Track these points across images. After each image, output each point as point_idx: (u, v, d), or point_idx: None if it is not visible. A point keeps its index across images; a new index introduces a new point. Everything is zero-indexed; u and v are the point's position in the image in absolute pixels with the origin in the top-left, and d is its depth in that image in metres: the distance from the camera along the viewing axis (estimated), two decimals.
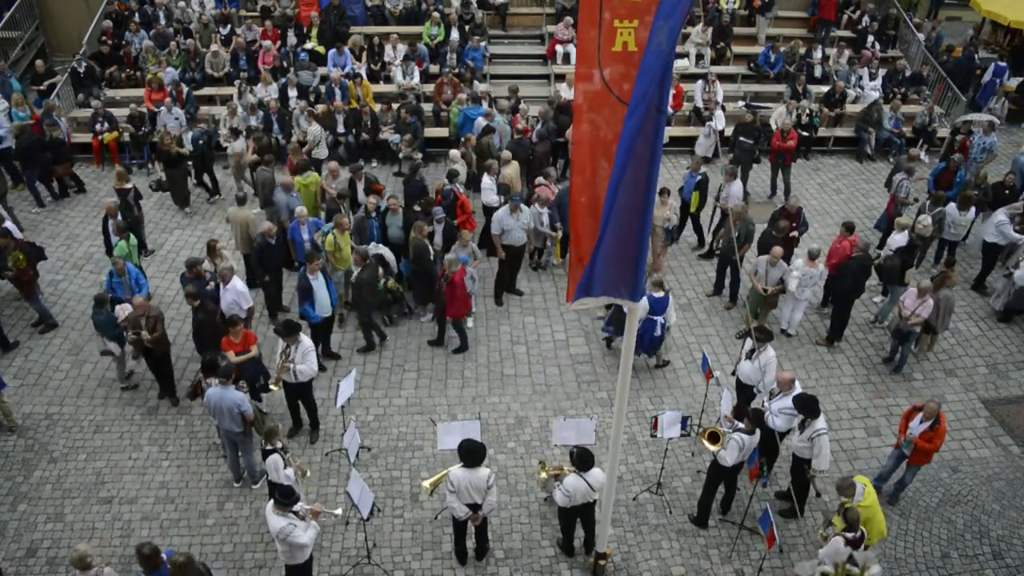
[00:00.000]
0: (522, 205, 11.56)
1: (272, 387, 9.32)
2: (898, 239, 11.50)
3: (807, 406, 8.28)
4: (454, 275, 10.35)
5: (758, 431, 8.24)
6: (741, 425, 8.19)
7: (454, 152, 13.33)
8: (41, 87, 15.92)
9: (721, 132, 15.42)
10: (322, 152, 14.30)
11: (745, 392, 9.64)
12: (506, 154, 13.27)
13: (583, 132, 5.76)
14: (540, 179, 12.66)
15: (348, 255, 11.07)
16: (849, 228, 11.55)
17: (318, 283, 10.10)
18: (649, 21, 5.21)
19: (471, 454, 7.54)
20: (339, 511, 8.02)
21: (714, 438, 8.50)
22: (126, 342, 10.03)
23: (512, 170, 13.00)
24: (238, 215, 11.58)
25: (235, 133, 14.18)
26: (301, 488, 8.11)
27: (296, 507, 7.27)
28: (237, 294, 10.01)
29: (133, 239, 11.19)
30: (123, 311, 9.94)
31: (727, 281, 12.26)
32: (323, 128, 14.52)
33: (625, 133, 5.19)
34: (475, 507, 7.76)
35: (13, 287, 11.50)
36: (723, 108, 15.85)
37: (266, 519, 7.28)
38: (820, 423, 8.28)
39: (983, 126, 15.09)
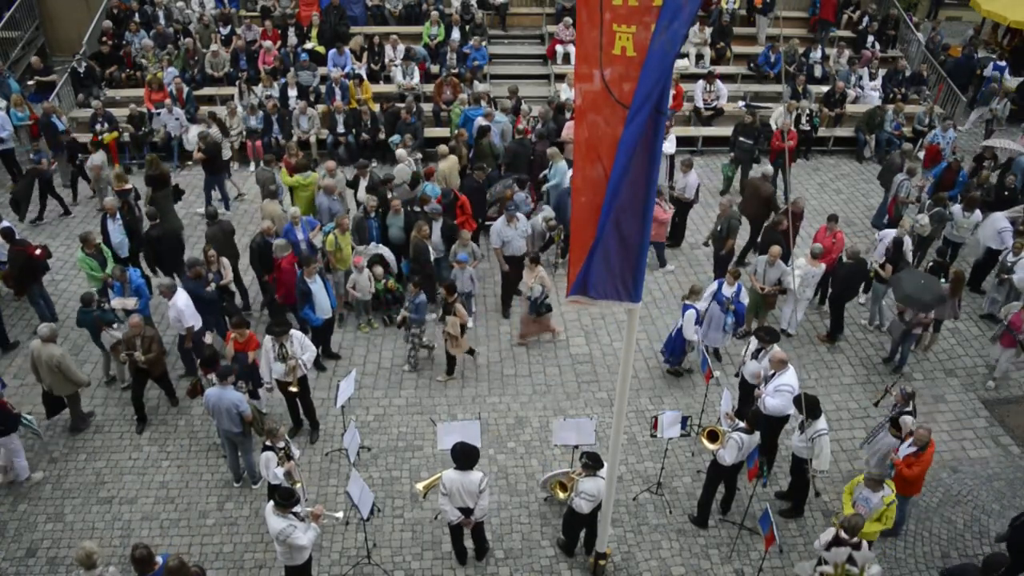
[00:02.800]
0: (519, 214, 11.48)
1: (292, 389, 9.29)
2: (887, 234, 11.50)
3: (809, 407, 8.25)
4: (281, 260, 10.43)
5: (758, 431, 8.25)
6: (742, 424, 8.20)
7: (400, 152, 13.35)
8: (30, 82, 15.86)
9: (671, 156, 14.58)
10: (225, 154, 14.21)
11: (750, 393, 9.62)
12: (442, 148, 13.26)
13: (583, 132, 5.76)
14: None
15: (348, 255, 11.08)
16: (834, 219, 11.62)
17: (316, 287, 10.11)
18: (648, 22, 5.21)
19: (464, 456, 7.53)
20: (340, 514, 8.02)
21: (713, 437, 8.50)
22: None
23: (448, 165, 13.01)
24: (268, 209, 11.65)
25: (96, 146, 13.68)
26: (297, 490, 8.10)
27: (296, 508, 7.27)
28: (178, 311, 9.75)
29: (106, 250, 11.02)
30: (120, 303, 10.06)
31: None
32: (224, 134, 14.42)
33: (626, 135, 5.19)
34: (467, 511, 7.75)
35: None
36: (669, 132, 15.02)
37: (266, 519, 7.28)
38: (821, 424, 8.27)
39: (943, 123, 15.32)
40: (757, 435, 8.25)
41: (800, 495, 8.93)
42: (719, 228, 11.77)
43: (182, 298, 9.83)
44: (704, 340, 10.49)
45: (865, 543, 7.39)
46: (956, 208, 12.48)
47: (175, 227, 12.06)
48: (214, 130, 14.18)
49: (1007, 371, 10.90)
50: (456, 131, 14.07)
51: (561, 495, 8.69)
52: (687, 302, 10.21)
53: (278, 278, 10.58)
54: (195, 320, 9.89)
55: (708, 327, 10.39)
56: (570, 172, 11.77)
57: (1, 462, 9.12)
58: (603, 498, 7.74)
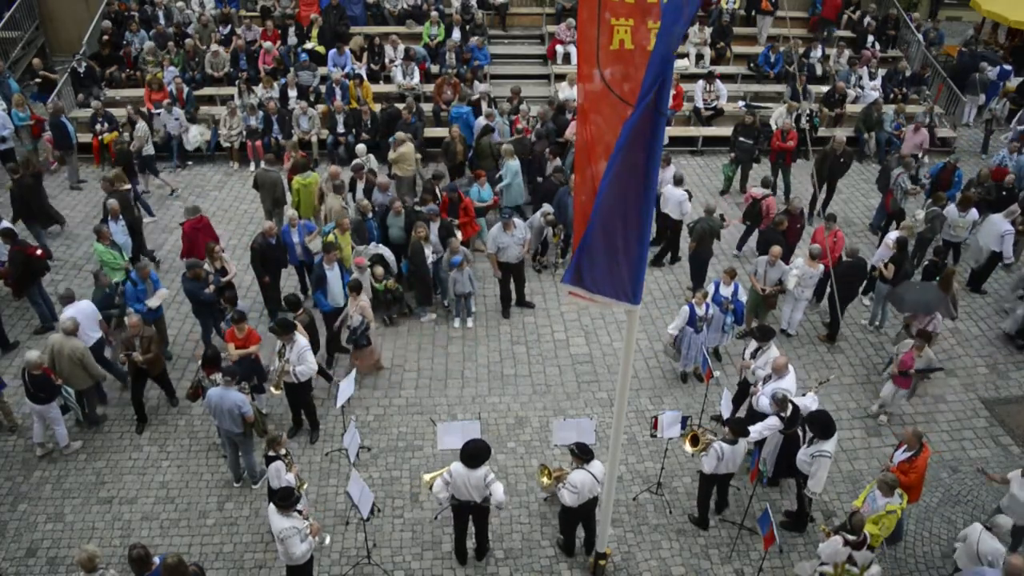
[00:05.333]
0: (515, 220, 11.44)
1: (273, 391, 9.31)
2: (893, 236, 11.50)
3: (820, 425, 8.09)
4: (184, 223, 11.12)
5: (742, 441, 8.18)
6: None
7: (360, 147, 13.52)
8: (36, 80, 15.87)
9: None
10: (150, 149, 14.08)
11: (749, 392, 9.59)
12: (399, 135, 13.40)
13: (585, 132, 5.80)
14: (761, 189, 12.53)
15: (349, 255, 11.09)
16: (831, 219, 11.64)
17: (333, 274, 10.22)
18: (645, 18, 5.24)
19: (471, 457, 7.53)
20: (327, 540, 8.21)
21: (695, 441, 8.47)
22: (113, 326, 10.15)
23: (407, 149, 13.11)
24: (331, 203, 11.81)
25: None
26: (301, 492, 8.10)
27: (299, 506, 7.28)
28: (75, 311, 9.64)
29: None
30: (156, 301, 10.27)
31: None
32: (148, 126, 14.29)
33: (624, 131, 5.20)
34: (470, 506, 7.77)
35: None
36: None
37: (269, 518, 7.28)
38: (827, 445, 8.04)
39: (1009, 144, 15.06)
40: (742, 444, 8.20)
41: (801, 509, 8.85)
42: (690, 227, 11.79)
43: (71, 311, 9.68)
44: (705, 341, 10.49)
45: (868, 539, 7.39)
46: (951, 208, 12.47)
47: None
48: (140, 125, 13.94)
49: (886, 404, 10.16)
50: (451, 129, 14.11)
51: (545, 481, 8.62)
52: (693, 303, 10.16)
53: (182, 239, 11.48)
54: (87, 334, 9.71)
55: (708, 328, 10.39)
56: (574, 175, 11.82)
57: (39, 438, 9.33)
58: (590, 495, 7.74)
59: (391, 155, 13.41)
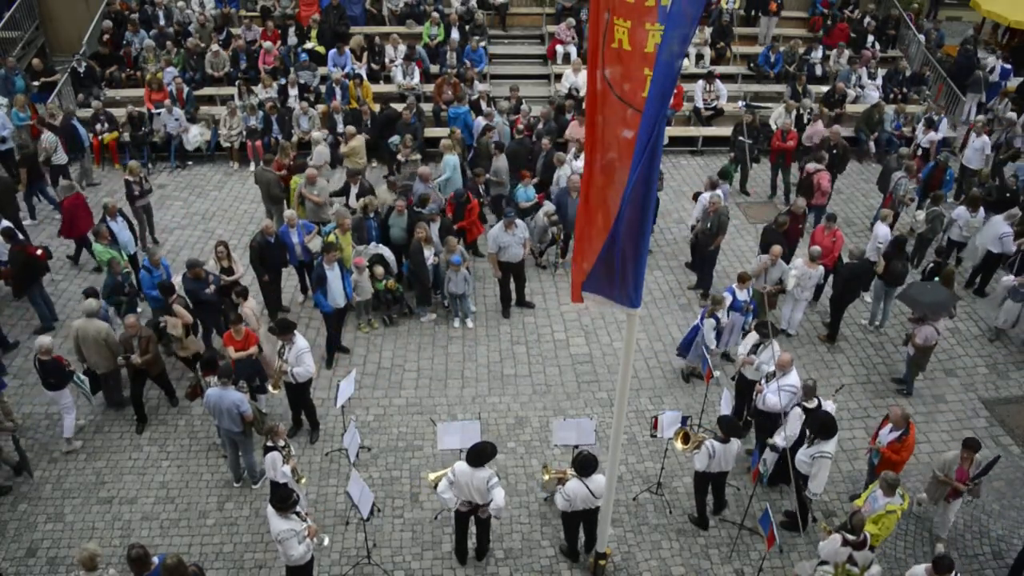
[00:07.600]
0: (517, 220, 11.42)
1: (272, 390, 9.31)
2: (882, 231, 11.48)
3: (822, 426, 8.09)
4: (64, 200, 11.25)
5: (734, 441, 8.18)
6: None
7: (316, 135, 13.84)
8: (36, 83, 15.88)
9: None
10: (61, 158, 13.62)
11: (749, 389, 9.59)
12: (351, 129, 13.65)
13: (589, 132, 5.85)
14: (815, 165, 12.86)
15: (349, 255, 11.09)
16: (832, 218, 11.64)
17: (333, 274, 10.22)
18: (642, 20, 5.27)
19: (476, 455, 7.54)
20: (326, 541, 8.10)
21: (685, 439, 8.48)
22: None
23: (358, 143, 13.33)
24: (382, 194, 11.98)
25: None
26: (300, 488, 8.12)
27: (298, 508, 7.28)
28: None
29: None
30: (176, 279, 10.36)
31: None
32: (56, 135, 13.67)
33: (642, 137, 5.22)
34: (473, 506, 7.75)
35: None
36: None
37: (268, 519, 7.28)
38: (828, 446, 8.06)
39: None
40: (735, 443, 8.20)
41: (801, 509, 8.84)
42: (709, 225, 11.78)
43: None
44: (723, 346, 10.46)
45: (868, 538, 7.39)
46: (961, 209, 12.47)
47: None
48: (46, 136, 13.40)
49: (949, 523, 8.84)
50: (452, 130, 14.12)
51: (545, 476, 8.62)
52: (716, 314, 10.05)
53: (62, 216, 11.81)
54: None
55: (729, 335, 10.44)
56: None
57: (69, 432, 9.43)
58: (583, 506, 7.76)
59: (343, 148, 13.55)
